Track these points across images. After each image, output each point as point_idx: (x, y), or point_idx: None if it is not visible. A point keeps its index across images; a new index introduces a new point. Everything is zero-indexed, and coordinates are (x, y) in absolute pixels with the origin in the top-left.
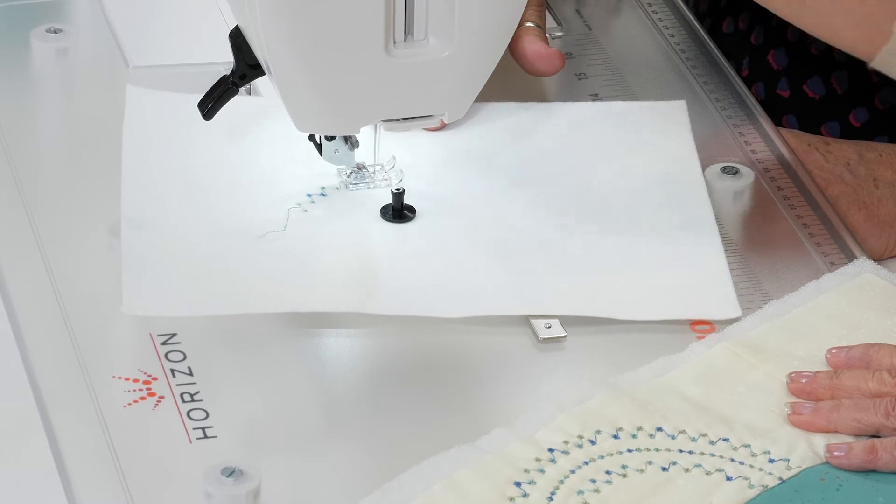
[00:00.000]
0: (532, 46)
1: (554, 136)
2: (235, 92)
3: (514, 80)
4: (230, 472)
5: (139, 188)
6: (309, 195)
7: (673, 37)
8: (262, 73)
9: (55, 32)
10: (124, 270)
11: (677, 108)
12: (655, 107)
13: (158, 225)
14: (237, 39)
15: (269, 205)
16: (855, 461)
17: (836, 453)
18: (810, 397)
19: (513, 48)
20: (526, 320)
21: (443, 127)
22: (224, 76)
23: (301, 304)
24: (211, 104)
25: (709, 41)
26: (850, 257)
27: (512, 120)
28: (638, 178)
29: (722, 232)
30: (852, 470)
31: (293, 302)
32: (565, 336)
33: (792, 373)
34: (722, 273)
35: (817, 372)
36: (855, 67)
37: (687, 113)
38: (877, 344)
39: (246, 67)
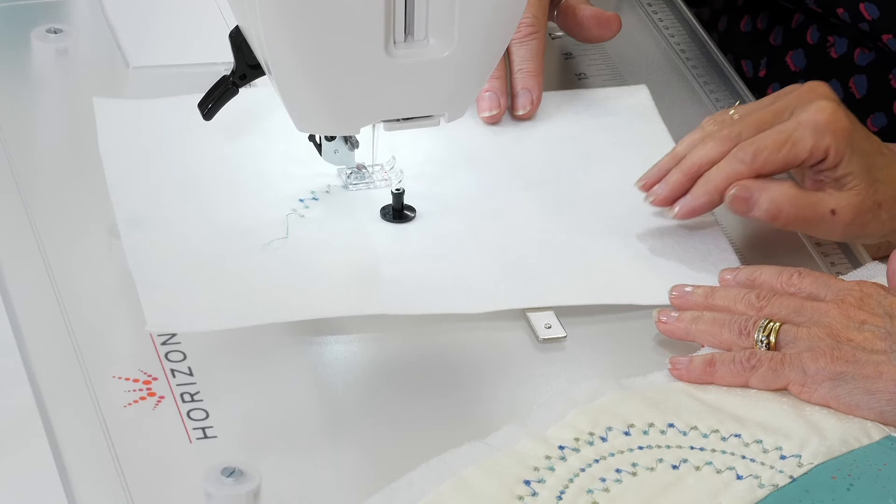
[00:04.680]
0: (588, 11)
1: (546, 132)
2: (235, 92)
3: None
4: (230, 472)
5: (131, 197)
6: (303, 199)
7: (673, 37)
8: (262, 73)
9: (55, 32)
10: (138, 288)
11: (642, 92)
12: (620, 92)
13: (159, 233)
14: (237, 39)
15: (269, 206)
16: (694, 374)
17: (677, 366)
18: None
19: (563, 19)
20: (526, 321)
21: (530, 116)
22: (224, 76)
23: (311, 311)
24: (211, 104)
25: (709, 41)
26: (851, 257)
27: (507, 118)
28: (625, 168)
29: (722, 232)
30: (692, 382)
31: (304, 311)
32: (565, 336)
33: (675, 285)
34: (725, 250)
35: (697, 286)
36: (874, 72)
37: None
38: (761, 266)
39: (246, 67)
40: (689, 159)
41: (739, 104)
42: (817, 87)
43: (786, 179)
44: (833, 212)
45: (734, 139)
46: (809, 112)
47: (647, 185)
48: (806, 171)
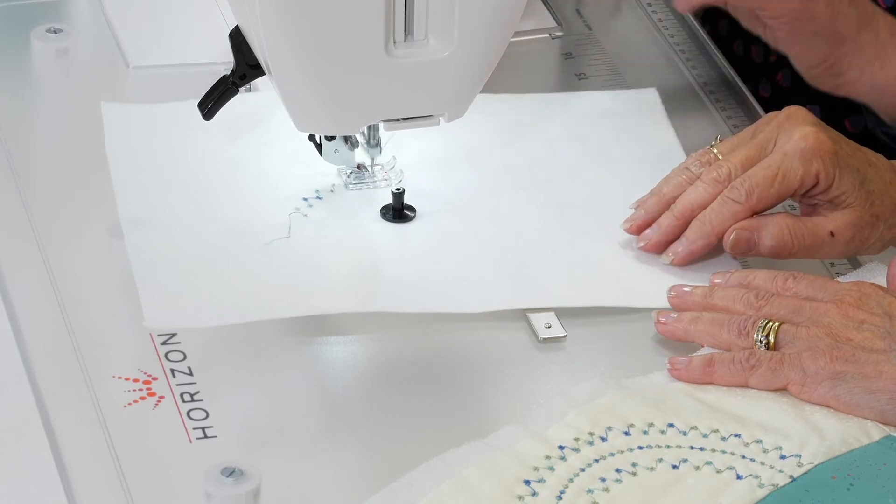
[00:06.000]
0: None
1: (549, 133)
2: (235, 92)
3: (512, 78)
4: (230, 472)
5: (135, 198)
6: (306, 198)
7: (673, 37)
8: (262, 73)
9: (55, 32)
10: (138, 284)
11: (651, 95)
12: (629, 95)
13: (162, 233)
14: (237, 39)
15: (270, 206)
16: (693, 374)
17: (676, 366)
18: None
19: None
20: (526, 321)
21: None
22: (224, 76)
23: (311, 308)
24: (211, 104)
25: (708, 41)
26: (851, 258)
27: (510, 118)
28: (629, 170)
29: None
30: (692, 382)
31: (303, 307)
32: (565, 336)
33: (674, 286)
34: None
35: (695, 286)
36: None
37: (660, 100)
38: (754, 270)
39: (246, 67)
40: (680, 203)
41: (720, 139)
42: (795, 113)
43: (780, 212)
44: (832, 233)
45: (724, 180)
46: (793, 140)
47: (634, 228)
48: (799, 198)
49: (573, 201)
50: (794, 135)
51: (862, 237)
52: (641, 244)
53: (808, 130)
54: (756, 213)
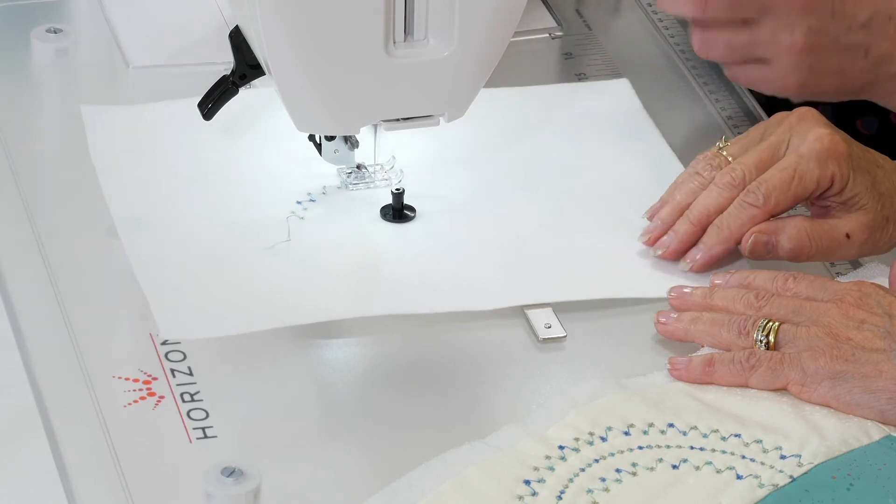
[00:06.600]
0: None
1: (546, 132)
2: (235, 92)
3: (513, 78)
4: (230, 472)
5: (126, 200)
6: (300, 201)
7: (673, 37)
8: (262, 73)
9: (55, 32)
10: (147, 295)
11: (624, 87)
12: (608, 87)
13: (159, 237)
14: (237, 39)
15: (268, 208)
16: (693, 374)
17: (676, 366)
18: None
19: None
20: (526, 321)
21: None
22: (224, 76)
23: (315, 314)
24: (211, 104)
25: None
26: (852, 259)
27: (509, 118)
28: (619, 164)
29: None
30: (692, 382)
31: (308, 313)
32: (565, 336)
33: (674, 286)
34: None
35: (695, 287)
36: None
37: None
38: (754, 271)
39: (246, 67)
40: (696, 209)
41: (726, 140)
42: (807, 115)
43: (796, 215)
44: (848, 235)
45: (738, 184)
46: (808, 143)
47: (652, 240)
48: (813, 200)
49: (571, 199)
50: (808, 136)
51: (874, 239)
52: (659, 252)
53: (823, 132)
54: (773, 216)
